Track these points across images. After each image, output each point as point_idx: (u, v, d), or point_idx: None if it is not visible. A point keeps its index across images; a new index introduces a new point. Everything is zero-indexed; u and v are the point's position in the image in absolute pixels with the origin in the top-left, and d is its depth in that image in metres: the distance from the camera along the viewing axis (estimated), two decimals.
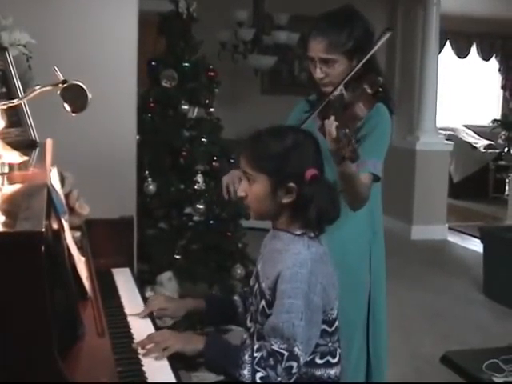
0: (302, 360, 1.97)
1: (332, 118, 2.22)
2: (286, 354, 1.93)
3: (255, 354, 1.94)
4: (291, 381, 1.96)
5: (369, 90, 2.48)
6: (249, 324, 2.22)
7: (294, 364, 1.94)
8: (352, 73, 2.52)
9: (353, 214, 2.58)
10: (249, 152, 2.14)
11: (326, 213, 2.05)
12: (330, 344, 2.11)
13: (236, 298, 2.42)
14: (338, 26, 2.59)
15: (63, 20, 3.46)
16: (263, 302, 2.10)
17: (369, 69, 2.56)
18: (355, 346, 2.70)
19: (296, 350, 1.94)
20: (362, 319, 2.74)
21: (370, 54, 2.53)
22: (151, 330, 2.18)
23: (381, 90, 2.57)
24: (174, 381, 1.85)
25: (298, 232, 2.10)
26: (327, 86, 2.63)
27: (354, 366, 2.68)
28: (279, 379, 1.93)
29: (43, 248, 1.40)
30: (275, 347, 1.94)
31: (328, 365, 2.12)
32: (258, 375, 1.92)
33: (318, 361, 2.10)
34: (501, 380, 2.94)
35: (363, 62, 2.53)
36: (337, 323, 2.14)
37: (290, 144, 2.08)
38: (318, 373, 2.11)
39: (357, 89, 2.48)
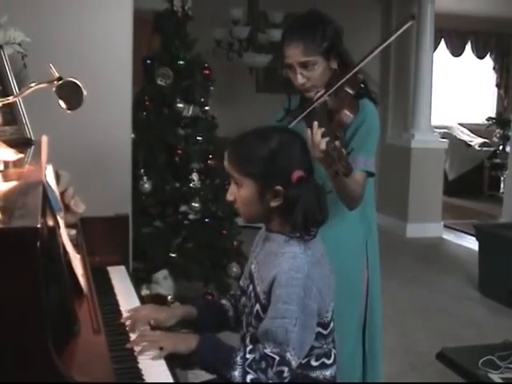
0: (293, 364, 1.96)
1: (319, 130, 2.22)
2: (278, 358, 1.93)
3: (247, 356, 1.94)
4: None
5: (351, 92, 2.48)
6: (244, 327, 2.21)
7: (285, 369, 1.94)
8: (341, 81, 2.51)
9: (346, 210, 2.59)
10: (234, 156, 2.11)
11: (312, 215, 2.01)
12: (324, 346, 2.11)
13: (225, 301, 2.39)
14: (311, 27, 2.60)
15: (58, 18, 3.45)
16: (258, 306, 2.08)
17: (347, 67, 2.57)
18: (350, 340, 2.71)
19: (288, 355, 1.94)
20: (357, 314, 2.75)
21: (391, 39, 2.53)
22: (146, 327, 2.18)
23: (362, 86, 2.58)
24: (171, 379, 1.85)
25: (292, 234, 2.07)
26: (310, 90, 2.63)
27: (349, 361, 2.69)
28: (270, 382, 1.93)
29: (39, 244, 1.40)
30: (267, 351, 1.94)
31: (323, 366, 2.12)
32: (249, 377, 1.92)
33: (314, 363, 2.10)
34: (497, 376, 2.95)
35: (361, 64, 2.53)
36: (332, 325, 2.13)
37: (275, 146, 2.05)
38: (314, 375, 2.11)
39: (339, 92, 2.48)
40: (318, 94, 2.54)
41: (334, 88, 2.50)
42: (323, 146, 2.18)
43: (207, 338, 2.03)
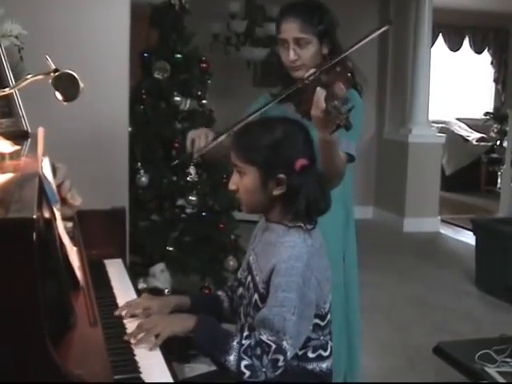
0: (289, 354, 1.97)
1: (320, 89, 2.22)
2: (274, 346, 1.94)
3: (243, 342, 1.95)
4: (276, 373, 1.97)
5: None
6: (242, 318, 2.21)
7: (281, 357, 1.95)
8: (327, 65, 2.52)
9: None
10: (238, 144, 2.14)
11: (315, 203, 2.04)
12: (321, 337, 2.12)
13: (220, 293, 2.40)
14: (309, 9, 2.66)
15: (55, 11, 3.45)
16: (256, 296, 2.09)
17: (338, 54, 2.60)
18: (334, 330, 2.72)
19: (284, 343, 1.95)
20: (339, 302, 2.75)
21: (365, 40, 2.53)
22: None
23: (349, 74, 2.60)
24: (167, 371, 1.85)
25: (292, 224, 2.09)
26: (299, 69, 2.66)
27: (335, 349, 2.71)
28: (264, 370, 1.94)
29: (35, 235, 1.40)
30: (263, 338, 1.95)
31: (320, 358, 2.13)
32: (243, 363, 1.92)
33: (310, 355, 2.11)
34: (493, 370, 2.95)
35: (349, 51, 2.54)
36: (329, 317, 2.14)
37: (279, 135, 2.07)
38: (310, 367, 2.12)
39: (330, 72, 2.50)
40: (310, 72, 2.54)
41: (325, 66, 2.51)
42: (323, 104, 2.18)
43: (205, 319, 2.04)
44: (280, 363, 1.95)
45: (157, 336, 1.97)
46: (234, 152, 2.13)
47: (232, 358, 1.92)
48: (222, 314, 2.36)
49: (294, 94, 2.57)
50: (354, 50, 2.53)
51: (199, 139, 2.63)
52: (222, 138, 2.63)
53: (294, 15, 2.63)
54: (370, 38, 2.53)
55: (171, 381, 1.81)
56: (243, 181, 2.11)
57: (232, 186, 2.15)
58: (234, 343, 1.94)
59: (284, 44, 2.67)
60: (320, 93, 2.17)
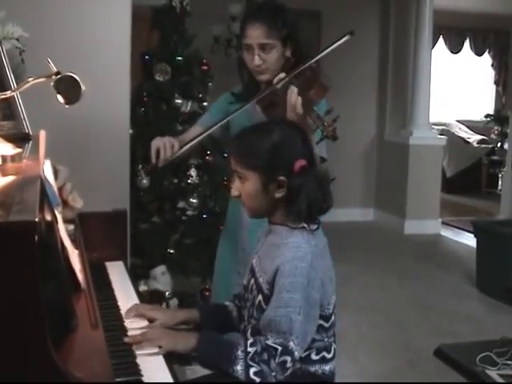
0: (296, 354, 1.97)
1: (299, 98, 2.27)
2: (280, 348, 1.93)
3: (249, 349, 1.94)
4: (286, 374, 1.96)
5: (315, 76, 2.53)
6: (246, 319, 2.20)
7: (288, 358, 1.95)
8: (298, 70, 2.54)
9: None
10: (237, 151, 2.14)
11: (316, 202, 2.05)
12: (325, 339, 2.11)
13: (228, 303, 2.39)
14: (273, 13, 2.71)
15: (56, 14, 3.45)
16: (260, 297, 2.09)
17: (302, 56, 2.67)
18: None
19: (291, 344, 1.94)
20: None
21: (328, 50, 2.55)
22: (145, 322, 2.18)
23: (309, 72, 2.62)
24: (168, 374, 1.85)
25: (295, 225, 2.09)
26: (264, 72, 2.73)
27: None
28: (273, 374, 1.93)
29: (36, 238, 1.40)
30: (269, 342, 1.94)
31: (323, 360, 2.12)
32: (252, 370, 1.92)
33: (314, 357, 2.10)
34: (494, 373, 2.95)
35: (317, 58, 2.57)
36: (333, 318, 2.14)
37: (277, 139, 2.07)
38: (313, 369, 2.11)
39: (300, 76, 2.52)
40: (280, 76, 2.58)
41: (296, 72, 2.54)
42: (299, 109, 2.24)
43: (206, 336, 2.03)
44: (288, 364, 1.95)
45: (159, 347, 1.97)
46: (234, 159, 2.13)
47: (239, 367, 1.92)
48: (232, 324, 2.34)
49: (262, 97, 2.62)
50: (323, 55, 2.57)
51: (164, 149, 2.67)
52: (188, 147, 2.66)
53: (260, 21, 2.68)
54: (332, 47, 2.55)
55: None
56: (245, 186, 2.11)
57: (234, 192, 2.15)
58: (239, 352, 1.94)
59: (249, 49, 2.73)
60: (295, 96, 2.25)
